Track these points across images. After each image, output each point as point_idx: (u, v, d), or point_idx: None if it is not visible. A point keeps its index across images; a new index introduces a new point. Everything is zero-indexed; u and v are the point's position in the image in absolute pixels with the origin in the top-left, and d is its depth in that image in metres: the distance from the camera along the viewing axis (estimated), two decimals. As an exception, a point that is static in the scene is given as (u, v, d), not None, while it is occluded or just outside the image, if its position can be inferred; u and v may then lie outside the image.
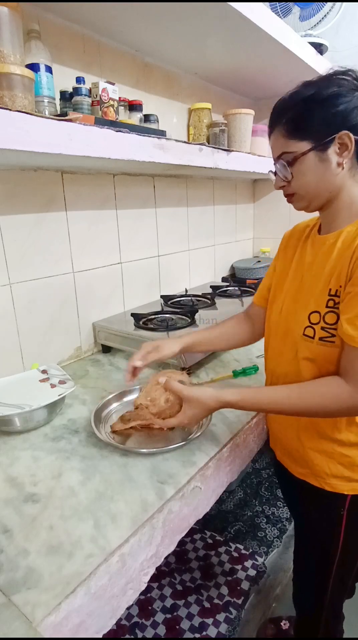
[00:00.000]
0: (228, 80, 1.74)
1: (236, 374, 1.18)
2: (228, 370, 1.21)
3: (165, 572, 1.42)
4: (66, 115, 0.85)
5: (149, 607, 1.30)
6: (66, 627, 0.55)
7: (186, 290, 1.76)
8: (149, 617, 1.28)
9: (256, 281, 1.92)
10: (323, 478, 0.82)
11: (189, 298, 1.65)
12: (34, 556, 0.61)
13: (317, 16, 1.71)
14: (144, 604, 1.31)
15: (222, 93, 1.85)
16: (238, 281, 1.99)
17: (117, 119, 1.14)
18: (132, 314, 1.39)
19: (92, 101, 1.07)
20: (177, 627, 1.25)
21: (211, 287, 1.81)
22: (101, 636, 0.61)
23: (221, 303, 1.60)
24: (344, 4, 1.69)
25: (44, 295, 1.24)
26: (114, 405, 1.04)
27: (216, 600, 1.32)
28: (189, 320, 1.36)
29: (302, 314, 0.77)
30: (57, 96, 1.08)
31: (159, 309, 1.50)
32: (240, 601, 1.33)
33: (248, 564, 1.45)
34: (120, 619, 1.24)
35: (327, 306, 0.73)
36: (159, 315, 1.44)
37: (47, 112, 0.98)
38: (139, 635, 1.23)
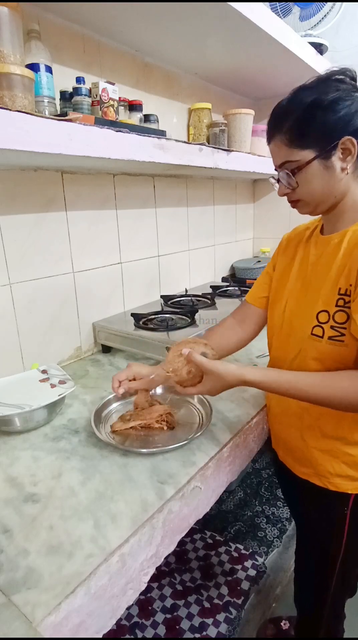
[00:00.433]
0: (228, 80, 1.74)
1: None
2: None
3: (165, 572, 1.42)
4: (66, 115, 0.85)
5: (149, 607, 1.30)
6: (66, 627, 0.55)
7: (186, 290, 1.76)
8: (149, 617, 1.28)
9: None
10: (326, 477, 0.82)
11: (189, 298, 1.65)
12: (34, 556, 0.61)
13: (317, 16, 1.71)
14: (144, 604, 1.31)
15: (222, 93, 1.85)
16: (238, 281, 1.99)
17: (117, 119, 1.14)
18: (132, 314, 1.39)
19: (92, 101, 1.07)
20: (177, 627, 1.25)
21: (211, 287, 1.81)
22: (101, 636, 0.61)
23: (221, 303, 1.60)
24: (344, 4, 1.69)
25: (44, 295, 1.24)
26: (114, 405, 1.04)
27: (216, 600, 1.32)
28: (189, 320, 1.36)
29: (309, 313, 0.77)
30: (57, 96, 1.08)
31: (159, 309, 1.50)
32: (240, 601, 1.33)
33: (248, 564, 1.45)
34: (120, 619, 1.24)
35: (336, 305, 0.73)
36: (159, 315, 1.44)
37: (47, 112, 0.98)
38: (139, 635, 1.23)
